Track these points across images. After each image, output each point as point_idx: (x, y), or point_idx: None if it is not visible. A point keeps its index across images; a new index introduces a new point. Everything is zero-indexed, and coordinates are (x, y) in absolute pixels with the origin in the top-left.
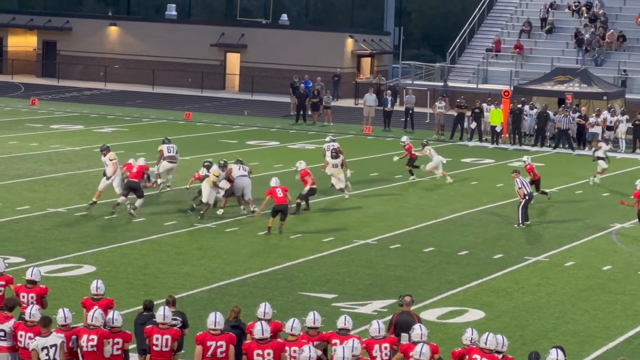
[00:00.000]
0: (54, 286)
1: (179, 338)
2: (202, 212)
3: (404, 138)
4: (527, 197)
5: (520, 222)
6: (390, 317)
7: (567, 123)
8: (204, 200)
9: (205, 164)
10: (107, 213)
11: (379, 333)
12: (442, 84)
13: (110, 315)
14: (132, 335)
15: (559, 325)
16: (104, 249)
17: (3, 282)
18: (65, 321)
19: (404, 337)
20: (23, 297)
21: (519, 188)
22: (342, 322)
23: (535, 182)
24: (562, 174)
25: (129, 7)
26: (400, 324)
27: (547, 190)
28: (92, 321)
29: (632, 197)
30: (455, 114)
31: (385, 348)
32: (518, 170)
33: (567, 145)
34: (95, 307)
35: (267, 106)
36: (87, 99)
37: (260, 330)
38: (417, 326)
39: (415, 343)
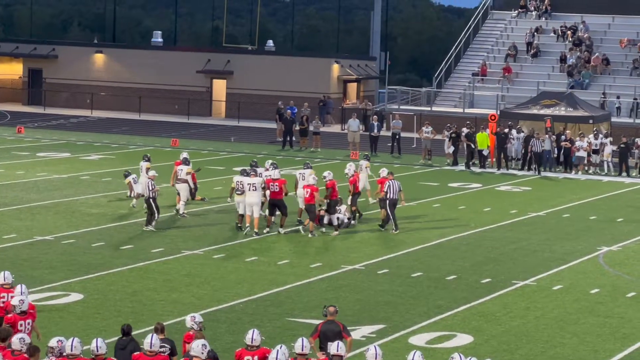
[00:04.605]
0: (41, 315)
1: None
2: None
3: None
4: (384, 200)
5: (394, 228)
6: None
7: (539, 146)
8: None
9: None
10: (94, 240)
11: (376, 358)
12: (428, 108)
13: (94, 343)
14: None
15: (548, 349)
16: (92, 277)
17: None
18: (72, 350)
19: (330, 345)
20: (21, 325)
21: (384, 191)
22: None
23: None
24: (549, 198)
25: (114, 34)
26: (326, 333)
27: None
28: (71, 351)
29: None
30: (452, 141)
31: None
32: (392, 173)
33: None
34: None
35: (253, 132)
36: (74, 126)
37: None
38: (335, 343)
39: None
